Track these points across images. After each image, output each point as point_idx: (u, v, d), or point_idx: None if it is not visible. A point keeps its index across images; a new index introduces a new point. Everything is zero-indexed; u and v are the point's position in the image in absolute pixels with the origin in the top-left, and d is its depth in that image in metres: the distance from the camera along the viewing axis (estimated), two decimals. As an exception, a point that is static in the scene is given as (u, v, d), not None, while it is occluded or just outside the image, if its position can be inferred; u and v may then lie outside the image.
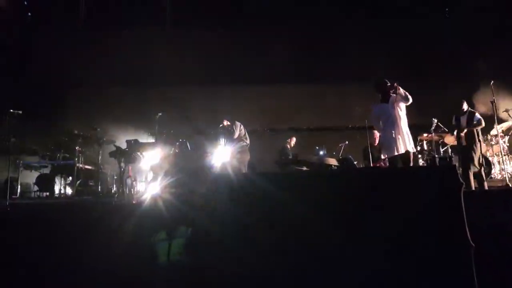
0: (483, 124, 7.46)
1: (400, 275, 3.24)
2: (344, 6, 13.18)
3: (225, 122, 8.46)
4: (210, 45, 12.58)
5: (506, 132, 9.62)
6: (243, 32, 13.07)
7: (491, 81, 7.90)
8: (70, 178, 8.52)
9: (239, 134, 8.27)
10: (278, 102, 12.74)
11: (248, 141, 8.40)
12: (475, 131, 7.42)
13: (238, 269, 3.28)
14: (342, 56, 12.71)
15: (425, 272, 3.23)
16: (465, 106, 7.73)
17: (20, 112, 7.79)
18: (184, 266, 4.22)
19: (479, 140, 7.45)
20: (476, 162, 7.29)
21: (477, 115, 7.54)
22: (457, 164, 7.57)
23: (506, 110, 8.86)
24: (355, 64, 12.30)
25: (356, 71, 12.38)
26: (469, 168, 7.22)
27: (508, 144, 9.68)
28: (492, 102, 7.74)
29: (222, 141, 8.53)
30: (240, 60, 12.72)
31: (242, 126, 8.40)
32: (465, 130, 7.44)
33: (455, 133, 7.79)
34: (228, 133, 8.33)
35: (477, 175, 7.33)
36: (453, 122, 7.88)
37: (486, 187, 7.28)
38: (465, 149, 7.43)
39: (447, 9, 13.80)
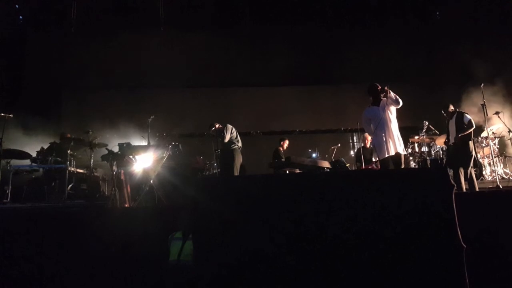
0: (474, 125, 7.41)
1: (392, 276, 3.25)
2: (338, 9, 13.27)
3: (217, 125, 8.45)
4: (203, 47, 12.58)
5: (496, 134, 9.71)
6: (236, 34, 13.09)
7: (481, 84, 7.95)
8: (62, 181, 8.45)
9: (231, 137, 8.26)
10: (271, 104, 12.77)
11: (240, 144, 8.40)
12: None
13: (231, 273, 3.28)
14: (335, 59, 12.80)
15: (416, 273, 3.25)
16: (451, 108, 7.73)
17: (11, 115, 7.74)
18: (177, 268, 4.22)
19: (472, 140, 7.46)
20: (471, 163, 7.28)
21: (466, 115, 7.40)
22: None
23: (497, 113, 8.92)
24: (348, 66, 12.38)
25: (349, 73, 12.47)
26: (463, 170, 7.24)
27: (498, 146, 9.77)
28: (483, 105, 7.80)
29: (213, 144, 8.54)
30: (233, 62, 12.75)
31: (233, 129, 8.39)
32: (459, 135, 7.32)
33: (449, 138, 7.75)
34: (220, 136, 8.32)
35: (468, 177, 7.34)
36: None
37: (477, 189, 7.31)
38: (457, 151, 7.42)
39: (438, 12, 13.95)
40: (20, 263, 4.70)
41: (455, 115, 7.52)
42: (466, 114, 7.46)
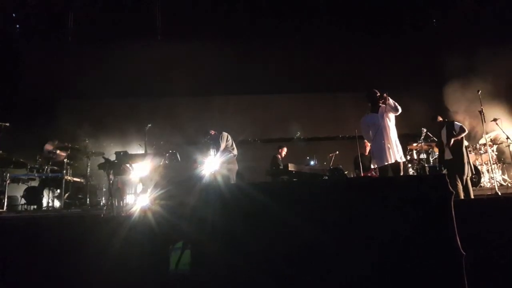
0: (466, 130, 7.40)
1: (390, 285, 3.21)
2: (335, 17, 13.33)
3: (212, 132, 8.42)
4: (201, 56, 12.59)
5: (494, 141, 9.71)
6: (234, 42, 13.10)
7: (478, 91, 7.96)
8: (58, 190, 8.41)
9: (226, 145, 8.23)
10: (269, 112, 12.78)
11: (235, 152, 8.36)
12: (460, 139, 7.37)
13: (230, 278, 3.24)
14: (332, 66, 12.82)
15: (416, 281, 3.21)
16: (440, 119, 7.69)
17: (8, 124, 7.72)
18: (177, 278, 4.17)
19: (466, 147, 7.44)
20: (466, 170, 7.24)
21: (456, 123, 7.41)
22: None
23: (495, 120, 8.92)
24: (346, 74, 12.40)
25: (347, 81, 12.49)
26: (458, 177, 7.21)
27: (496, 153, 9.77)
28: (480, 112, 7.79)
29: (211, 151, 8.49)
30: (230, 70, 12.75)
31: (229, 137, 8.35)
32: (452, 141, 7.28)
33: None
34: (215, 144, 8.29)
35: (464, 184, 7.28)
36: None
37: (472, 197, 7.25)
38: (452, 159, 7.40)
39: (434, 20, 14.01)
40: (12, 272, 4.63)
41: (445, 126, 7.51)
42: (456, 122, 7.46)
